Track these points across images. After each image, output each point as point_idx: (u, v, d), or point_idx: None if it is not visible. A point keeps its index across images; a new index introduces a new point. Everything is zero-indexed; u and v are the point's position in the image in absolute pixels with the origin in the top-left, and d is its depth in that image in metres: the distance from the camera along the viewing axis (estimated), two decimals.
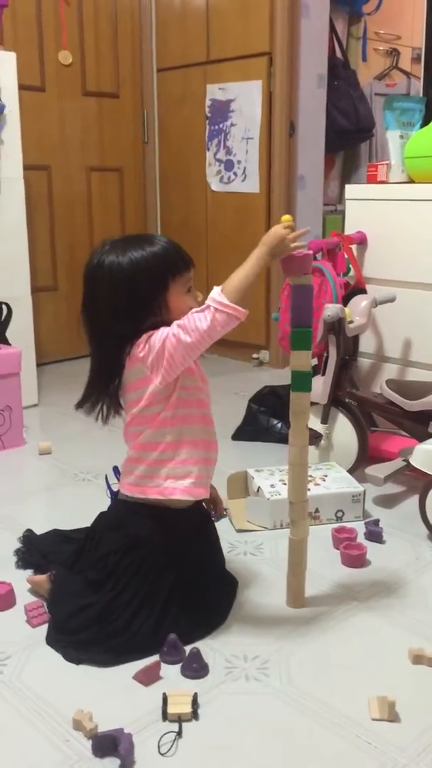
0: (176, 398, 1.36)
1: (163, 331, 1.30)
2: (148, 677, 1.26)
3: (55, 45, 3.30)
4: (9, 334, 2.54)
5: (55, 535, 1.70)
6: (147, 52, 3.63)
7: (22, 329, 2.70)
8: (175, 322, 1.29)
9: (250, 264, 1.28)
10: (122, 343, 1.34)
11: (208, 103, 3.44)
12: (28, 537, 1.68)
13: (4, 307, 2.54)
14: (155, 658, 1.31)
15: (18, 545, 1.67)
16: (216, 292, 1.26)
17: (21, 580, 1.55)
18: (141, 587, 1.37)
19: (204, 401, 1.43)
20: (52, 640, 1.38)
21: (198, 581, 1.43)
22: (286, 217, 1.32)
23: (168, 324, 1.31)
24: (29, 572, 1.58)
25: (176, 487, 1.38)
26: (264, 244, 1.29)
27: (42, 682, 1.27)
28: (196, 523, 1.47)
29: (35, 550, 1.63)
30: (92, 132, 3.53)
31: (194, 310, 1.28)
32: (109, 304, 1.33)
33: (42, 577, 1.50)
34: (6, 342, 2.50)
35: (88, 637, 1.35)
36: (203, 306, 1.27)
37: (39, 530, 1.74)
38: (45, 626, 1.42)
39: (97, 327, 1.37)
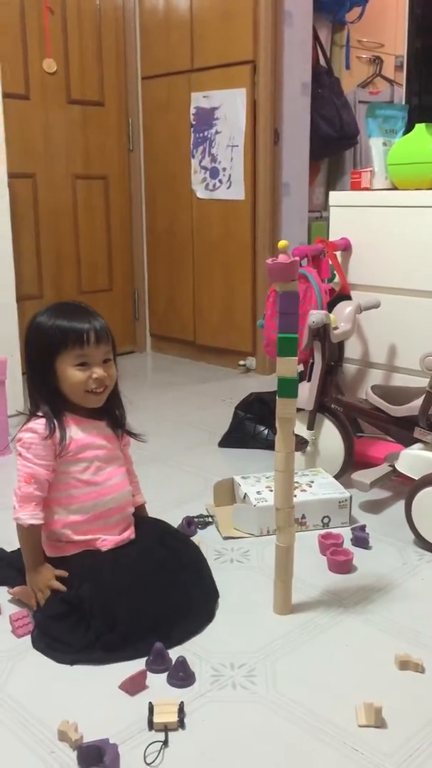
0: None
1: (21, 445, 1.47)
2: (133, 686, 1.26)
3: (39, 53, 3.30)
4: None
5: None
6: (131, 60, 3.64)
7: (7, 337, 2.69)
8: (20, 473, 1.47)
9: (24, 552, 1.49)
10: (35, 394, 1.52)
11: (192, 110, 3.45)
12: None
13: None
14: (141, 667, 1.30)
15: None
16: (18, 520, 1.46)
17: (4, 591, 1.54)
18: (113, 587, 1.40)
19: (105, 489, 1.53)
20: (41, 645, 1.37)
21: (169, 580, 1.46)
22: (283, 243, 1.33)
23: (62, 391, 1.47)
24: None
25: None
26: (29, 577, 1.48)
27: (27, 692, 1.26)
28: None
29: (8, 566, 1.61)
30: (77, 140, 3.53)
31: (20, 492, 1.46)
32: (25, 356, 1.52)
33: (27, 588, 1.49)
34: None
35: (77, 637, 1.35)
36: (16, 515, 1.46)
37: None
38: (30, 636, 1.41)
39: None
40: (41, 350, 1.46)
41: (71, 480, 1.49)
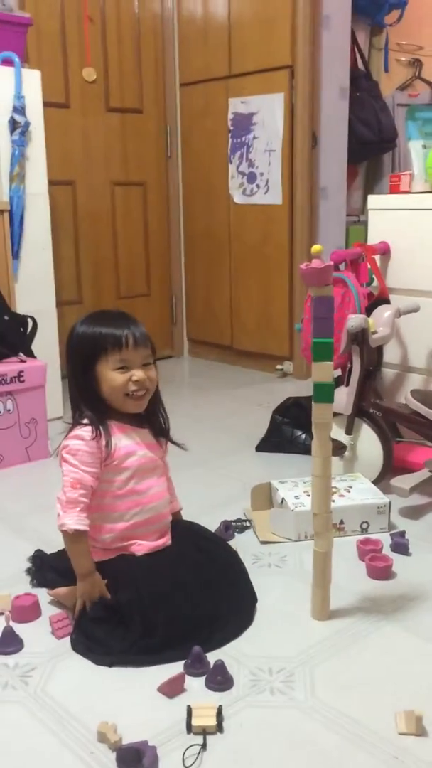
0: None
1: (66, 453, 1.47)
2: (172, 689, 1.26)
3: (79, 62, 3.35)
4: (34, 347, 2.56)
5: None
6: (170, 67, 3.67)
7: (47, 342, 2.73)
8: (65, 481, 1.45)
9: (74, 562, 1.47)
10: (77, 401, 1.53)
11: (230, 116, 3.46)
12: (39, 556, 1.69)
13: (30, 321, 2.56)
14: (179, 670, 1.30)
15: (28, 565, 1.69)
16: (65, 524, 1.44)
17: (44, 593, 1.56)
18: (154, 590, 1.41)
19: (146, 498, 1.53)
20: (80, 647, 1.39)
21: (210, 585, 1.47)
22: (317, 248, 1.33)
23: (102, 395, 1.48)
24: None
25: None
26: (82, 584, 1.46)
27: (67, 693, 1.28)
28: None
29: (49, 568, 1.63)
30: (116, 147, 3.57)
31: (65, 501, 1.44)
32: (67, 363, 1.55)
33: (67, 589, 1.50)
34: (31, 355, 2.52)
35: (116, 640, 1.37)
36: (59, 509, 1.45)
37: (63, 543, 1.75)
38: (69, 638, 1.42)
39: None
40: (82, 356, 1.48)
41: (114, 488, 1.49)
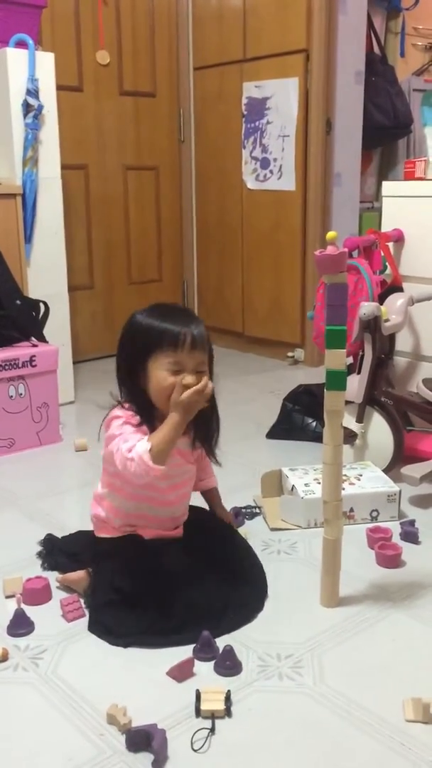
0: (127, 488, 1.47)
1: (115, 426, 1.41)
2: (181, 674, 1.27)
3: (92, 45, 3.33)
4: (46, 331, 2.57)
5: (83, 535, 1.68)
6: (183, 50, 3.64)
7: (59, 327, 2.74)
8: (120, 443, 1.36)
9: (169, 430, 1.34)
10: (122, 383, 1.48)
11: (244, 101, 3.43)
12: (50, 540, 1.70)
13: (42, 305, 2.57)
14: (189, 654, 1.31)
15: (39, 548, 1.69)
16: (144, 450, 1.32)
17: (54, 577, 1.57)
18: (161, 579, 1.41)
19: (163, 501, 1.50)
20: (96, 629, 1.40)
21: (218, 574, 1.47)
22: (332, 234, 1.32)
23: (147, 393, 1.42)
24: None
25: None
26: (177, 413, 1.35)
27: (77, 676, 1.29)
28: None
29: (59, 552, 1.64)
30: (129, 131, 3.55)
31: (125, 449, 1.34)
32: (118, 350, 1.48)
33: (78, 574, 1.51)
34: (43, 340, 2.53)
35: (129, 624, 1.38)
36: (131, 455, 1.33)
37: (74, 526, 1.76)
38: (80, 621, 1.43)
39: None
40: (135, 348, 1.42)
41: (143, 495, 1.46)
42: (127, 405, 1.43)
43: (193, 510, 1.64)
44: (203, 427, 1.49)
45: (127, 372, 1.44)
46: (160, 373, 1.39)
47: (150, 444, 1.32)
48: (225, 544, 1.56)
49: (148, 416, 1.41)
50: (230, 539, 1.60)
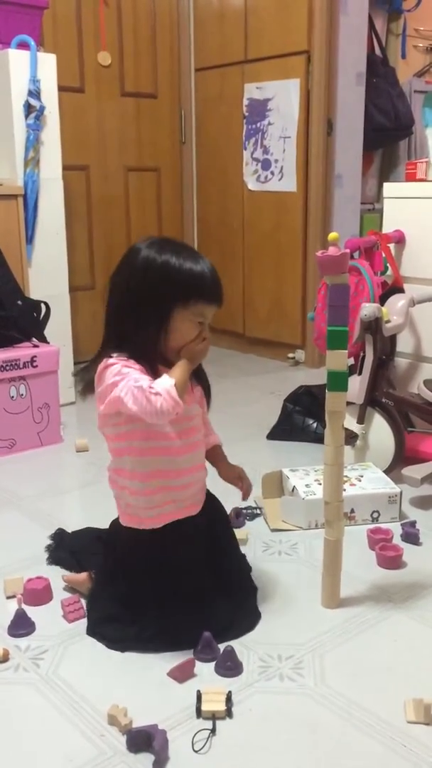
0: (134, 444, 1.36)
1: (114, 373, 1.27)
2: (182, 674, 1.27)
3: (94, 46, 3.33)
4: (47, 332, 2.57)
5: (88, 532, 1.71)
6: (185, 52, 3.65)
7: (60, 327, 2.74)
8: (130, 384, 1.23)
9: (183, 372, 1.28)
10: (110, 336, 1.35)
11: (245, 102, 3.44)
12: (60, 534, 1.71)
13: (43, 306, 2.57)
14: (189, 655, 1.31)
15: (42, 546, 1.70)
16: (170, 384, 1.23)
17: (58, 576, 1.57)
18: (161, 581, 1.38)
19: (172, 449, 1.38)
20: (96, 634, 1.39)
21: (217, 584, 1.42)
22: (333, 235, 1.32)
23: (160, 350, 1.31)
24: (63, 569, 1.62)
25: (150, 517, 1.38)
26: (191, 361, 1.31)
27: (78, 676, 1.29)
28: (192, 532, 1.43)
29: (65, 547, 1.65)
30: (130, 132, 3.55)
31: (151, 386, 1.22)
32: (122, 290, 1.33)
33: (82, 576, 1.51)
34: (45, 340, 2.53)
35: (130, 634, 1.37)
36: (156, 389, 1.22)
37: (74, 526, 1.76)
38: (81, 621, 1.43)
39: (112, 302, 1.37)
40: (153, 292, 1.27)
41: (149, 428, 1.33)
42: (115, 354, 1.30)
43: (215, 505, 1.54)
44: (201, 375, 1.46)
45: (132, 315, 1.29)
46: (186, 325, 1.29)
47: (173, 379, 1.24)
48: (224, 557, 1.49)
49: (151, 364, 1.30)
50: (231, 553, 1.54)
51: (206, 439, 1.52)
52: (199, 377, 1.45)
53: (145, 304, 1.29)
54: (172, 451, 1.37)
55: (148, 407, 1.21)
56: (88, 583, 1.49)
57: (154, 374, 1.28)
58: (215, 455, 1.57)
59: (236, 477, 1.57)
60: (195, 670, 1.28)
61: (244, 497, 1.58)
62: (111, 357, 1.30)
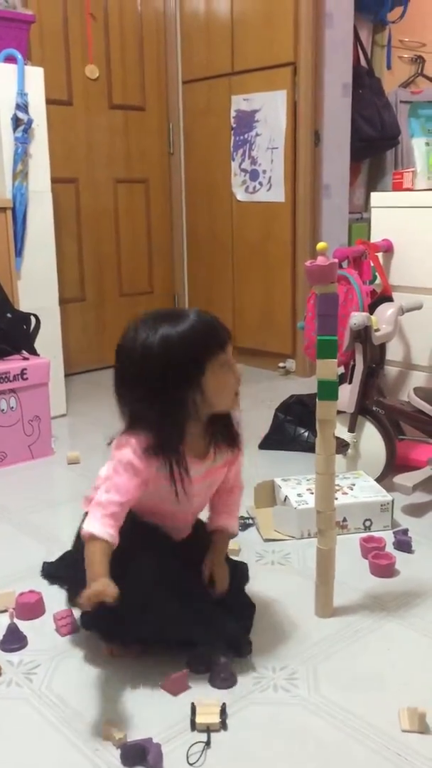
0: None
1: (114, 462, 1.26)
2: (175, 687, 1.26)
3: (81, 59, 3.34)
4: (38, 344, 2.56)
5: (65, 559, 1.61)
6: (172, 64, 3.67)
7: (50, 340, 2.73)
8: (100, 493, 1.24)
9: (87, 560, 1.21)
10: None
11: (233, 113, 3.45)
12: (47, 571, 1.63)
13: (33, 318, 2.57)
14: (182, 668, 1.31)
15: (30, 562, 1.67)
16: (89, 536, 1.21)
17: (50, 589, 1.57)
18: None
19: (165, 515, 1.35)
20: (92, 626, 1.36)
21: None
22: (322, 245, 1.33)
23: (205, 411, 1.27)
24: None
25: None
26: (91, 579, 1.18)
27: (71, 691, 1.28)
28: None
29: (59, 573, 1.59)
30: (119, 144, 3.56)
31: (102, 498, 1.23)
32: (137, 387, 1.26)
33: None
34: (35, 352, 2.52)
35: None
36: (93, 505, 1.24)
37: (66, 539, 1.75)
38: (74, 635, 1.43)
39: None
40: (185, 364, 1.23)
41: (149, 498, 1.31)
42: (135, 439, 1.26)
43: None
44: (227, 428, 1.36)
45: (171, 397, 1.24)
46: (220, 377, 1.26)
47: (104, 534, 1.20)
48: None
49: (180, 434, 1.27)
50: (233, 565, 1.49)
51: (213, 517, 1.45)
52: (223, 431, 1.36)
53: (172, 387, 1.24)
54: (162, 514, 1.35)
55: (84, 519, 1.25)
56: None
57: (177, 445, 1.27)
58: (216, 537, 1.45)
59: (210, 572, 1.41)
60: (189, 683, 1.28)
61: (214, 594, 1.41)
62: (131, 438, 1.26)
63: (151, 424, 1.26)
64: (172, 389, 1.24)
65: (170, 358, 1.22)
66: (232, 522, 1.46)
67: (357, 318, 1.98)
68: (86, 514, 1.28)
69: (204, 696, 1.24)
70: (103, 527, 1.21)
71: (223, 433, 1.36)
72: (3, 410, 2.35)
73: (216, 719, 1.17)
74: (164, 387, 1.23)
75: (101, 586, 1.13)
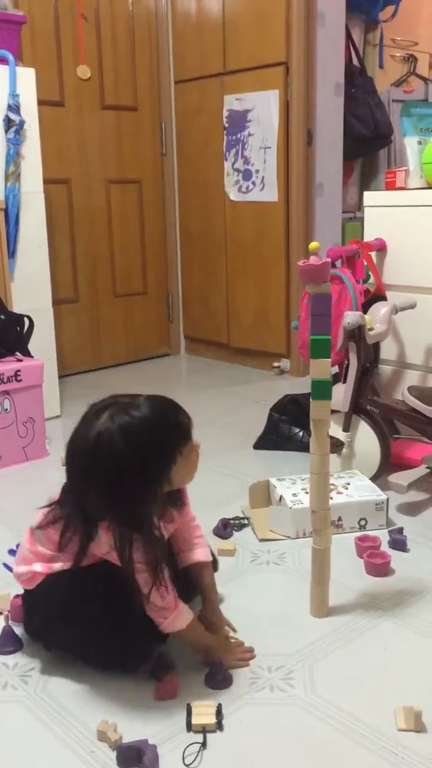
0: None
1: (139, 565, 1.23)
2: (167, 693, 1.25)
3: (73, 60, 3.34)
4: (31, 346, 2.56)
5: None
6: (164, 64, 3.66)
7: (44, 341, 2.73)
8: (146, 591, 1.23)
9: (194, 639, 1.31)
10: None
11: (225, 113, 3.45)
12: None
13: (26, 320, 2.56)
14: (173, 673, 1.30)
15: None
16: (181, 622, 1.27)
17: None
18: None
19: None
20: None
21: None
22: (314, 245, 1.33)
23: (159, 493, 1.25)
24: None
25: None
26: (209, 647, 1.31)
27: (66, 693, 1.28)
28: None
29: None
30: (111, 145, 3.56)
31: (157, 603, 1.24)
32: (104, 485, 1.22)
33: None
34: (28, 354, 2.52)
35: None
36: (164, 608, 1.25)
37: None
38: None
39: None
40: (162, 451, 1.23)
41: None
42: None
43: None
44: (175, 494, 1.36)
45: (141, 483, 1.22)
46: (188, 461, 1.27)
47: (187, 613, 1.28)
48: None
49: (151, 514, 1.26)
50: None
51: (187, 554, 1.42)
52: (174, 494, 1.36)
53: (149, 473, 1.22)
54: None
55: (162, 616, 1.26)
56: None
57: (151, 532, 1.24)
58: (200, 579, 1.43)
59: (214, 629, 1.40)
60: (185, 683, 1.27)
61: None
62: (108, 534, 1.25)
63: (123, 515, 1.22)
64: (146, 482, 1.22)
65: (140, 460, 1.20)
66: (207, 552, 1.45)
67: (351, 317, 1.98)
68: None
69: (200, 697, 1.24)
70: (184, 609, 1.28)
71: (174, 496, 1.35)
72: None
73: (212, 720, 1.17)
74: (138, 480, 1.21)
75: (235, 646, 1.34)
